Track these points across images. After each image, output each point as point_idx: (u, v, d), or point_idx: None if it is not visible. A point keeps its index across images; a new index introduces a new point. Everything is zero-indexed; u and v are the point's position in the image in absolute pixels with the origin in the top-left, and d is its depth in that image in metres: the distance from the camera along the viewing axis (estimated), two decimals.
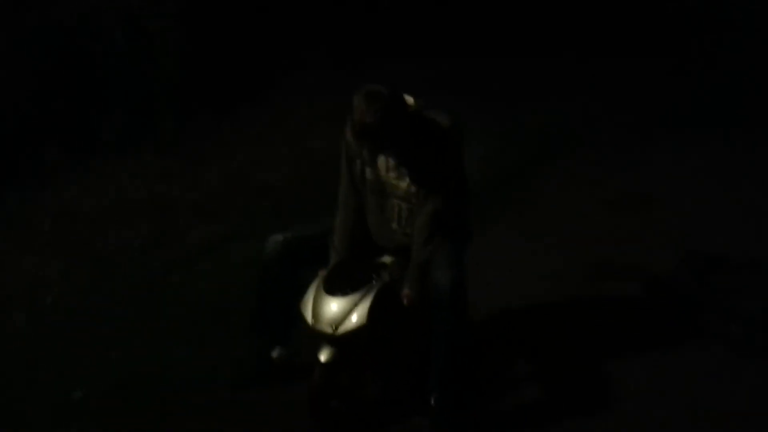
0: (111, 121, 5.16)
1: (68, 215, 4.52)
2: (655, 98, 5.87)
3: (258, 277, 3.11)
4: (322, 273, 2.94)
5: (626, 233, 4.16)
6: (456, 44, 6.57)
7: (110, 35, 5.34)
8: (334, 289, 2.86)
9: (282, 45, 6.20)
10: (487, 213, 4.35)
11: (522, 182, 4.83)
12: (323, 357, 2.83)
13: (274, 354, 3.10)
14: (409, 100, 2.87)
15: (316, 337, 2.84)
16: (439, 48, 6.47)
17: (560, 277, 3.79)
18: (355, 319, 2.80)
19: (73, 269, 3.97)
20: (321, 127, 5.27)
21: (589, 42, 6.62)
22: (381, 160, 2.94)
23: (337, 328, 2.80)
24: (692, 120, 5.44)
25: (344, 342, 2.82)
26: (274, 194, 4.66)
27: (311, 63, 6.15)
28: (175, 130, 5.24)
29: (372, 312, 2.81)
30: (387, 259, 3.02)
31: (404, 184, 2.93)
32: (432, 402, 2.93)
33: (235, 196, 4.66)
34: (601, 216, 4.35)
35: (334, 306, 2.82)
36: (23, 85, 5.10)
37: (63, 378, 3.17)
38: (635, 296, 3.67)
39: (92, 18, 5.35)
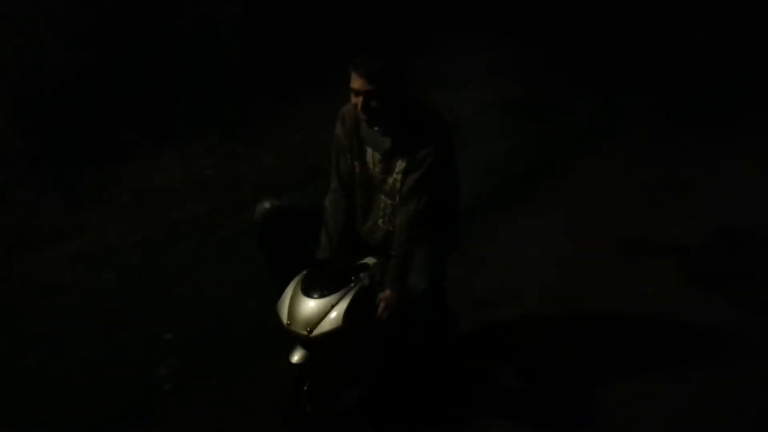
0: (181, 105, 5.72)
1: (144, 190, 5.07)
2: (695, 85, 6.17)
3: (257, 243, 3.10)
4: (303, 272, 2.86)
5: (660, 213, 4.50)
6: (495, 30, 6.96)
7: (180, 23, 5.85)
8: (311, 289, 2.78)
9: (338, 33, 6.63)
10: (529, 194, 4.82)
11: (564, 165, 5.23)
12: (295, 359, 2.78)
13: None
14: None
15: (291, 338, 2.80)
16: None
17: (592, 253, 4.12)
18: (330, 321, 2.72)
19: (151, 236, 4.52)
20: None
21: (632, 28, 6.96)
22: (369, 154, 2.92)
23: (311, 330, 2.71)
24: (728, 109, 5.79)
25: (318, 345, 2.74)
26: (325, 174, 5.16)
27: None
28: (238, 115, 5.78)
29: (348, 315, 2.72)
30: (370, 260, 2.94)
31: (391, 179, 2.89)
32: (404, 400, 2.96)
33: (291, 175, 5.14)
34: (637, 197, 4.72)
35: (309, 307, 2.74)
36: (102, 73, 5.64)
37: (152, 323, 3.72)
38: (665, 269, 3.94)
39: (165, 8, 5.85)
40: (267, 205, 3.03)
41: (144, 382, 3.37)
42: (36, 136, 5.12)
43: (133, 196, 5.01)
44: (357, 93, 2.80)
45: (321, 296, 2.76)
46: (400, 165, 2.87)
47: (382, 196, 2.95)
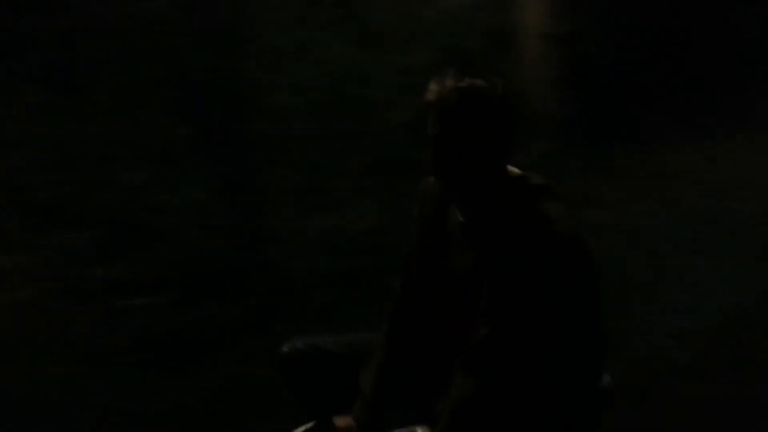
0: (722, 100, 5.58)
1: (668, 176, 5.02)
2: None
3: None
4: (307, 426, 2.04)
5: None
6: None
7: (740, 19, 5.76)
8: None
9: None
10: None
11: None
12: None
13: None
14: (514, 170, 1.79)
15: None
16: None
17: None
18: None
19: (677, 225, 4.44)
20: None
21: None
22: (455, 260, 1.85)
23: None
24: None
25: None
26: None
27: None
28: None
29: None
30: (421, 431, 1.93)
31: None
32: None
33: None
34: None
35: None
36: (646, 58, 5.82)
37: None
38: None
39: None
40: (285, 348, 2.15)
41: None
42: (575, 108, 5.42)
43: (658, 180, 4.99)
44: (427, 138, 1.76)
45: None
46: (485, 278, 1.76)
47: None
